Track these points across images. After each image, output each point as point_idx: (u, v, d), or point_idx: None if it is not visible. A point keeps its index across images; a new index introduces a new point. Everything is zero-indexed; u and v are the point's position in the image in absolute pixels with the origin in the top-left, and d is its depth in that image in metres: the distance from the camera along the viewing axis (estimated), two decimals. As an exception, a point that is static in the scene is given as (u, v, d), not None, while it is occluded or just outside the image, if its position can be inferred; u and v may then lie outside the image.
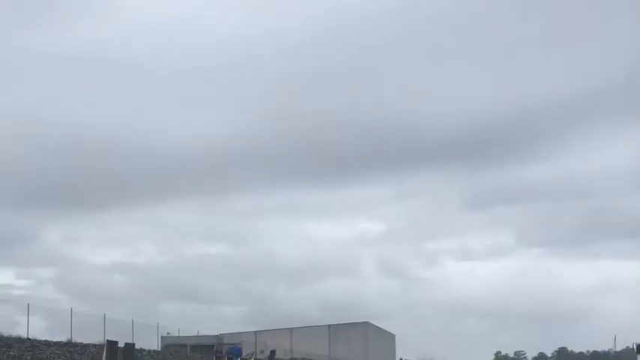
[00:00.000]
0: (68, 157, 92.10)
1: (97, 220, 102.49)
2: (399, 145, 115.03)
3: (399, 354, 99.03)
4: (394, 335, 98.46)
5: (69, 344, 31.42)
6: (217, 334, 66.75)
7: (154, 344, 43.06)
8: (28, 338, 29.41)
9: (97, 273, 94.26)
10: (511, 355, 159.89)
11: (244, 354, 50.44)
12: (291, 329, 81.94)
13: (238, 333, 73.13)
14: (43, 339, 30.26)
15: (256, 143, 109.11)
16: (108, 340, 25.28)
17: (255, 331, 77.21)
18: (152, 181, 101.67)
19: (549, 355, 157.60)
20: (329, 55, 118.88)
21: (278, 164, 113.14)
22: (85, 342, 32.50)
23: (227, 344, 54.82)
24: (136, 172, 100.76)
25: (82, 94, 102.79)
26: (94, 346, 31.94)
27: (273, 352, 57.98)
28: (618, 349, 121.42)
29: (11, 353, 27.09)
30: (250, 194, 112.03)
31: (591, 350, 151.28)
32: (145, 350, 37.23)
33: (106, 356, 23.13)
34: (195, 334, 57.73)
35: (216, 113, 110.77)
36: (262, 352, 58.35)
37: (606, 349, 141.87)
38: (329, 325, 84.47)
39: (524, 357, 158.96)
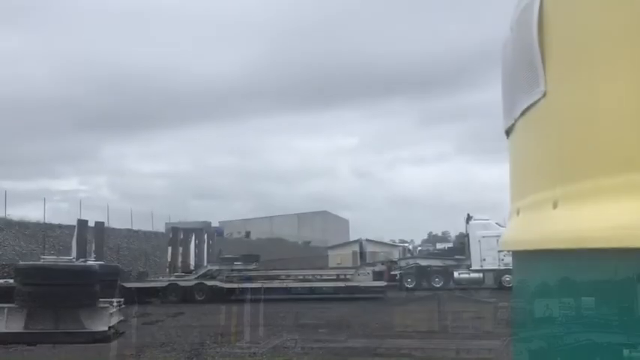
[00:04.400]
0: (117, 91, 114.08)
1: (141, 140, 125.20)
2: (371, 78, 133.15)
3: (352, 236, 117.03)
4: (348, 220, 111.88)
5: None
6: (211, 220, 75.10)
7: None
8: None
9: (141, 179, 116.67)
10: (440, 234, 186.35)
11: (225, 234, 61.53)
12: (270, 217, 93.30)
13: (230, 221, 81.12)
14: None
15: (263, 79, 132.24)
16: (78, 219, 26.65)
17: (244, 219, 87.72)
18: (182, 109, 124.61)
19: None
20: (321, 4, 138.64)
21: (278, 95, 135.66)
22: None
23: (214, 227, 63.08)
24: (170, 102, 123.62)
25: (128, 41, 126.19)
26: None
27: (248, 233, 69.91)
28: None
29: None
30: (256, 118, 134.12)
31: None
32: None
33: (77, 233, 25.29)
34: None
35: (228, 54, 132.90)
36: (239, 233, 69.90)
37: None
38: (297, 214, 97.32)
39: (449, 236, 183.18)
